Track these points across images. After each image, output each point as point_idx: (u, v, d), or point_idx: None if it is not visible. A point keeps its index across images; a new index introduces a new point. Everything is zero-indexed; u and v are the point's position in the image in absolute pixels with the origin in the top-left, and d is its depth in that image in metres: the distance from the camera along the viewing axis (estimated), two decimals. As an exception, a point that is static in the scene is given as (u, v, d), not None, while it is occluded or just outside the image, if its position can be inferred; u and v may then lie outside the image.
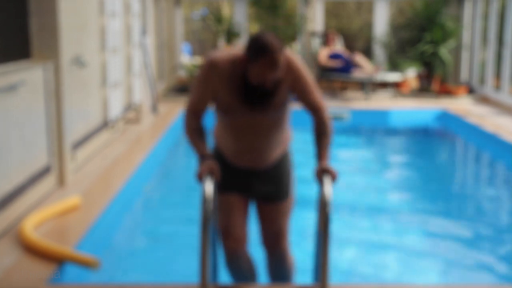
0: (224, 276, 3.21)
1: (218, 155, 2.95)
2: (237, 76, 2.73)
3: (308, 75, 2.83)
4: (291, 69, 2.76)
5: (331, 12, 14.82)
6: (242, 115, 2.77)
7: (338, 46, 11.29)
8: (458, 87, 10.67)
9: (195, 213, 3.60)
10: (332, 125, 2.86)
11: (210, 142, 2.94)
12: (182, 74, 11.65)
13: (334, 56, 10.73)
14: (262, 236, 3.08)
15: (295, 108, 3.24)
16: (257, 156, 2.86)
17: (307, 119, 2.96)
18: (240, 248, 2.98)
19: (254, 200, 2.99)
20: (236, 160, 2.89)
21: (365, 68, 10.48)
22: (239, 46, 2.83)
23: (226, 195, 2.93)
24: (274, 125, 2.83)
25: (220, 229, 2.97)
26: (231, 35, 11.16)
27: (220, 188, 2.91)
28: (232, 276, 3.11)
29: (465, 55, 11.22)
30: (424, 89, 11.05)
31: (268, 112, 2.77)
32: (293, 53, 2.83)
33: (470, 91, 10.70)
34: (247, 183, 2.93)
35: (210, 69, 2.75)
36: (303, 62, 10.89)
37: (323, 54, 10.76)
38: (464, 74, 11.30)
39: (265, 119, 2.79)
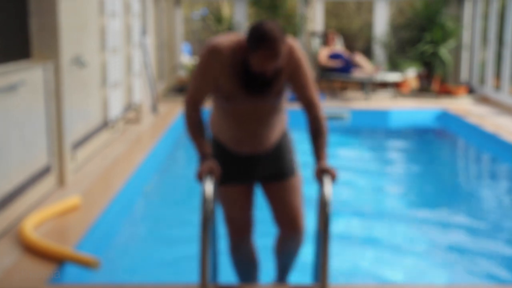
0: (224, 276, 3.21)
1: (217, 144, 2.91)
2: (238, 63, 2.68)
3: (308, 68, 2.79)
4: (292, 58, 2.72)
5: (331, 12, 14.82)
6: (243, 102, 2.74)
7: (338, 46, 11.29)
8: (458, 87, 10.67)
9: (195, 213, 3.60)
10: (327, 124, 2.82)
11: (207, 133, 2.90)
12: (182, 74, 11.66)
13: (334, 56, 10.73)
14: (276, 218, 3.00)
15: (293, 108, 3.23)
16: (258, 141, 2.83)
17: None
18: (244, 238, 3.00)
19: (259, 185, 2.94)
20: (237, 147, 2.86)
21: (365, 68, 10.48)
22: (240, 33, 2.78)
23: (228, 186, 2.90)
24: (274, 110, 2.81)
25: (225, 219, 2.98)
26: (231, 35, 11.14)
27: (222, 179, 2.86)
28: (235, 265, 3.11)
29: (465, 55, 11.22)
30: (424, 89, 11.05)
31: (268, 99, 2.76)
32: (295, 42, 2.78)
33: (470, 91, 10.70)
34: (249, 169, 2.89)
35: (212, 55, 2.69)
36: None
37: (323, 54, 10.76)
38: (464, 74, 11.30)
39: (266, 105, 2.77)
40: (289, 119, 3.04)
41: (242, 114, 2.78)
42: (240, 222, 2.98)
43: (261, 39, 2.52)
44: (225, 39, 2.72)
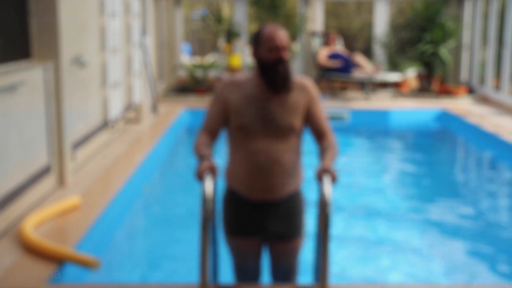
0: (224, 276, 3.21)
1: (231, 193, 2.91)
2: (254, 85, 2.80)
3: (321, 103, 2.91)
4: (307, 88, 2.85)
5: (331, 12, 14.83)
6: (259, 134, 2.76)
7: (338, 46, 11.29)
8: (458, 87, 10.67)
9: (195, 213, 3.61)
10: (338, 145, 2.87)
11: (221, 184, 2.90)
12: (182, 74, 11.66)
13: (334, 56, 10.72)
14: (273, 272, 3.09)
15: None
16: (270, 183, 2.80)
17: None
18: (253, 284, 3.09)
19: (267, 240, 2.96)
20: (249, 191, 2.83)
21: (365, 68, 10.48)
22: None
23: (240, 238, 2.91)
24: (288, 150, 2.81)
25: (234, 268, 3.05)
26: (231, 35, 11.16)
27: (234, 230, 2.90)
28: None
29: (465, 55, 11.22)
30: (424, 89, 11.05)
31: (284, 131, 2.77)
32: (308, 79, 2.92)
33: (470, 91, 10.70)
34: (261, 222, 2.87)
35: (224, 85, 2.84)
36: (304, 61, 10.81)
37: (323, 54, 10.76)
38: (464, 74, 11.30)
39: (280, 143, 2.78)
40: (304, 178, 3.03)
41: (256, 152, 2.78)
42: (250, 273, 3.06)
43: (262, 27, 2.81)
44: (239, 76, 2.90)
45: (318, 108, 2.87)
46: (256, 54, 2.79)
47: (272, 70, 2.75)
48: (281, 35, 2.75)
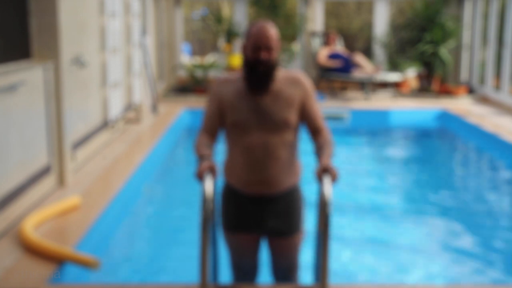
0: (224, 276, 3.22)
1: (228, 189, 2.92)
2: (243, 83, 2.80)
3: (316, 98, 2.89)
4: (302, 82, 2.83)
5: (331, 12, 14.83)
6: (253, 130, 2.77)
7: (338, 46, 11.29)
8: (458, 87, 10.67)
9: (195, 213, 3.61)
10: (334, 142, 2.87)
11: (220, 180, 2.90)
12: (182, 74, 11.66)
13: (333, 56, 10.72)
14: (274, 270, 3.09)
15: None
16: (267, 177, 2.80)
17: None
18: (250, 281, 3.09)
19: (265, 236, 2.96)
20: (246, 186, 2.84)
21: (365, 68, 10.48)
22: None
23: (238, 235, 2.92)
24: (283, 145, 2.80)
25: (232, 265, 3.05)
26: (231, 35, 11.16)
27: (233, 226, 2.90)
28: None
29: (465, 55, 11.22)
30: (424, 89, 11.06)
31: (278, 127, 2.77)
32: (303, 74, 2.90)
33: (470, 91, 10.70)
34: (259, 217, 2.87)
35: (218, 84, 2.85)
36: (304, 61, 10.81)
37: (323, 54, 10.76)
38: (464, 74, 11.30)
39: (276, 138, 2.78)
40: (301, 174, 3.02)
41: (252, 147, 2.78)
42: (248, 269, 3.06)
43: (253, 23, 2.78)
44: (233, 74, 2.89)
45: (313, 102, 2.86)
46: (244, 49, 2.79)
47: (251, 69, 2.74)
48: (268, 34, 2.72)
